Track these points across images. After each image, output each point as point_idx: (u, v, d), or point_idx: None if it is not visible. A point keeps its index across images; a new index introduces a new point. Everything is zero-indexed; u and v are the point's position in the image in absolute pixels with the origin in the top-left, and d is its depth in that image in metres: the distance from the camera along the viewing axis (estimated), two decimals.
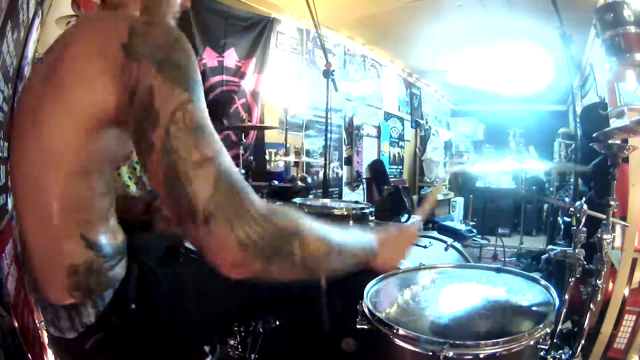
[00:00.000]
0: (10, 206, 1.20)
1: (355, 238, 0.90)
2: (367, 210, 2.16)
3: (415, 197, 5.84)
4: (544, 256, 1.59)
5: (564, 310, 1.39)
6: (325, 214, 2.10)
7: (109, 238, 0.75)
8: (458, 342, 0.85)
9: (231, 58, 3.21)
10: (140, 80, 0.62)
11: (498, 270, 1.29)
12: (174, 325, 0.86)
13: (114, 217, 0.79)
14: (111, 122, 0.67)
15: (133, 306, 0.78)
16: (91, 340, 0.76)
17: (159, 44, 0.64)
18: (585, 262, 1.39)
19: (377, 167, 5.05)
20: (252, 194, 0.64)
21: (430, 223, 4.83)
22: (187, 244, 1.58)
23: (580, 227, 1.38)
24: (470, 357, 0.85)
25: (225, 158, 0.64)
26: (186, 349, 0.97)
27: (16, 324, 1.16)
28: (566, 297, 1.39)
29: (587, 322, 1.46)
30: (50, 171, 0.68)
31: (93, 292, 0.73)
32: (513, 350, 0.85)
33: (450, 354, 0.83)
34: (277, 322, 1.20)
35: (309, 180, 3.09)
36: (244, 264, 0.63)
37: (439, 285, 1.24)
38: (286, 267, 0.67)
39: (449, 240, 2.02)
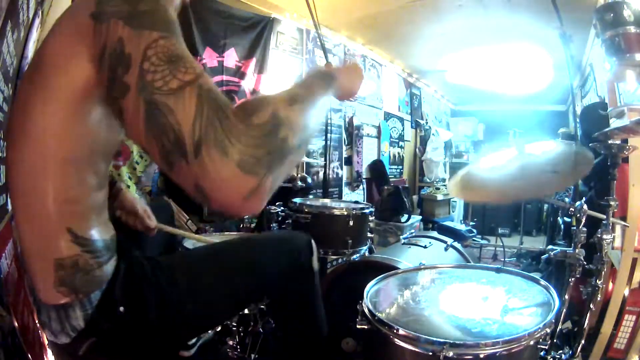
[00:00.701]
0: (10, 206, 1.20)
1: (315, 78, 0.80)
2: (367, 211, 2.17)
3: (415, 197, 5.84)
4: (544, 256, 1.59)
5: (564, 310, 1.39)
6: (325, 214, 2.10)
7: (99, 233, 0.75)
8: (458, 342, 0.85)
9: (231, 58, 3.21)
10: (109, 37, 0.61)
11: (498, 270, 1.30)
12: (166, 322, 0.85)
13: (106, 212, 0.79)
14: (94, 98, 0.67)
15: (121, 309, 0.77)
16: (84, 346, 0.76)
17: (124, 1, 0.63)
18: (585, 262, 1.39)
19: (377, 167, 5.05)
20: (230, 106, 0.58)
21: (431, 223, 4.84)
22: (185, 243, 1.57)
23: (580, 227, 1.38)
24: (470, 357, 0.85)
25: (206, 80, 0.59)
26: (180, 343, 0.96)
27: (16, 324, 1.16)
28: (566, 297, 1.39)
29: (587, 322, 1.46)
30: (40, 164, 0.68)
31: (79, 290, 0.73)
32: (513, 350, 0.86)
33: (450, 354, 0.83)
34: (276, 322, 1.20)
35: (309, 180, 3.09)
36: (253, 188, 0.55)
37: (439, 285, 1.24)
38: (289, 155, 0.60)
39: (449, 240, 2.02)
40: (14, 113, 0.75)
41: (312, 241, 1.14)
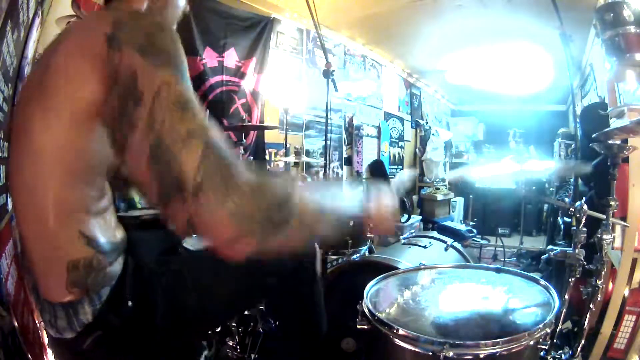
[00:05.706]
0: (10, 206, 1.20)
1: (347, 199, 0.86)
2: None
3: (415, 197, 5.84)
4: (544, 256, 1.59)
5: (564, 310, 1.39)
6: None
7: (108, 236, 0.76)
8: (458, 342, 0.85)
9: (231, 58, 3.21)
10: (122, 66, 0.61)
11: (498, 270, 1.30)
12: (173, 321, 0.86)
13: (113, 216, 0.79)
14: (97, 118, 0.66)
15: (130, 303, 0.78)
16: (89, 339, 0.76)
17: (142, 32, 0.64)
18: (585, 262, 1.39)
19: (377, 167, 5.04)
20: (240, 166, 0.62)
21: (431, 223, 4.84)
22: (186, 244, 1.57)
23: (580, 227, 1.38)
24: (470, 357, 0.85)
25: (213, 132, 0.62)
26: (185, 344, 0.97)
27: (16, 324, 1.16)
28: (566, 297, 1.39)
29: (587, 322, 1.46)
30: (43, 173, 0.68)
31: (91, 289, 0.74)
32: (513, 350, 0.86)
33: (450, 354, 0.83)
34: (277, 323, 1.20)
35: (309, 180, 3.09)
36: (239, 238, 0.61)
37: (439, 285, 1.24)
38: (282, 236, 0.65)
39: (449, 241, 2.02)
40: (17, 120, 0.74)
41: (316, 245, 1.17)
